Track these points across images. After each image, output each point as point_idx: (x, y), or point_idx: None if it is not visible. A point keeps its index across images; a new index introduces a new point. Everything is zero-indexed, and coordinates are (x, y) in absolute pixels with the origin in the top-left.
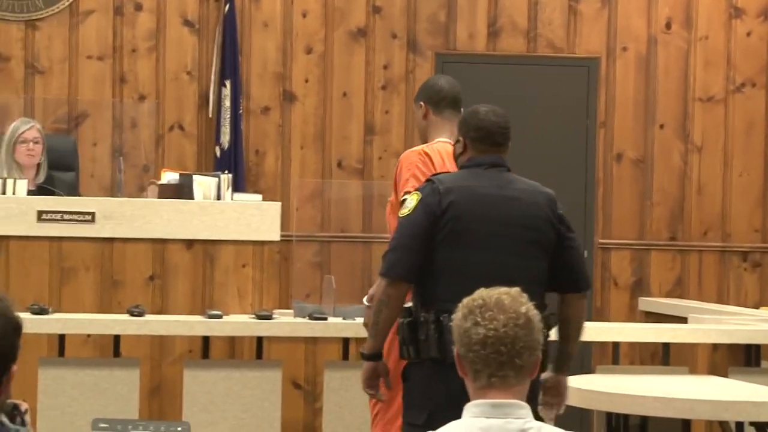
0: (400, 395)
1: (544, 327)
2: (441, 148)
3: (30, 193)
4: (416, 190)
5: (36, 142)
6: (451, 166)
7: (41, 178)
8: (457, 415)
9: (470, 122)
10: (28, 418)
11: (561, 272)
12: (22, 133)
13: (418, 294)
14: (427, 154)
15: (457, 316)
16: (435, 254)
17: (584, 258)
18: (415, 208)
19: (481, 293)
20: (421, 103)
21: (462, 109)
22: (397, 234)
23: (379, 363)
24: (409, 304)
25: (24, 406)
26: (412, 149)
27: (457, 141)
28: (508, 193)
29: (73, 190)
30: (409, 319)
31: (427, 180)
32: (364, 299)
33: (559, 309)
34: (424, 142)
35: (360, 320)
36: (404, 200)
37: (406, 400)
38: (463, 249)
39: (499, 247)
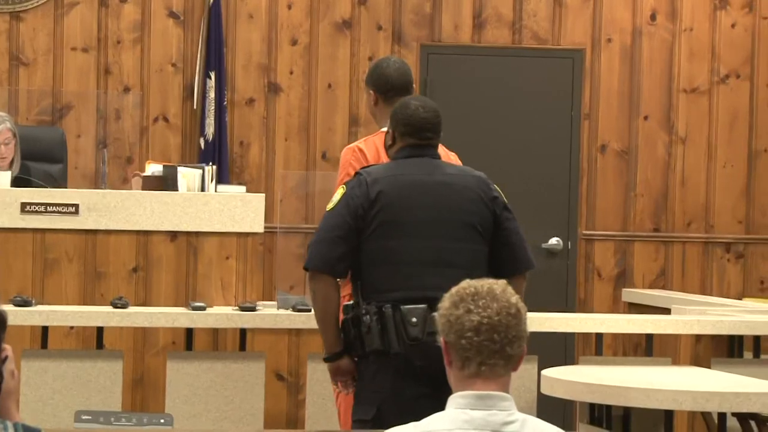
0: None
1: None
2: (380, 140)
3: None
4: (343, 184)
5: (7, 144)
6: (386, 157)
7: (15, 170)
8: (405, 407)
9: (399, 116)
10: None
11: (500, 253)
12: None
13: (357, 288)
14: (361, 150)
15: (444, 305)
16: (369, 245)
17: (523, 238)
18: (339, 201)
19: (470, 282)
20: (371, 90)
21: (413, 89)
22: (320, 228)
23: (342, 361)
24: (350, 302)
25: (5, 353)
26: (349, 146)
27: (387, 132)
28: (438, 178)
29: (61, 183)
30: (352, 315)
31: (356, 173)
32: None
33: None
34: (378, 125)
35: None
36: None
37: (356, 397)
38: (398, 237)
39: (434, 233)
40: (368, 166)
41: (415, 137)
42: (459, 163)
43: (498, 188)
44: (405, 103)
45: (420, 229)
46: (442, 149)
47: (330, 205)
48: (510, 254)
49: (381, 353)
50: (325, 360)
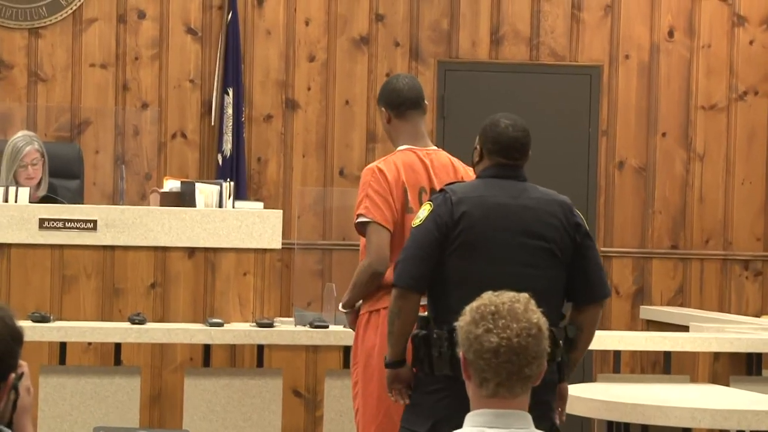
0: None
1: (561, 338)
2: (399, 159)
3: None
4: (428, 200)
5: (35, 164)
6: (407, 177)
7: (43, 190)
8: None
9: (488, 134)
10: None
11: (576, 280)
12: (23, 157)
13: (431, 306)
14: (381, 170)
15: (466, 319)
16: (447, 265)
17: (601, 266)
18: (426, 218)
19: (492, 299)
20: (383, 108)
21: (425, 104)
22: (407, 244)
23: (401, 369)
24: (425, 314)
25: (21, 369)
26: (369, 166)
27: (475, 148)
28: (522, 202)
29: (77, 198)
30: (424, 333)
31: (440, 190)
32: (340, 305)
33: (572, 315)
34: (393, 144)
35: None
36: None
37: (411, 408)
38: (476, 260)
39: (513, 258)
40: (453, 183)
41: (502, 156)
42: (472, 178)
43: (580, 214)
44: (495, 121)
45: (499, 253)
46: (460, 164)
47: (416, 222)
48: (587, 283)
49: (450, 378)
50: (387, 365)
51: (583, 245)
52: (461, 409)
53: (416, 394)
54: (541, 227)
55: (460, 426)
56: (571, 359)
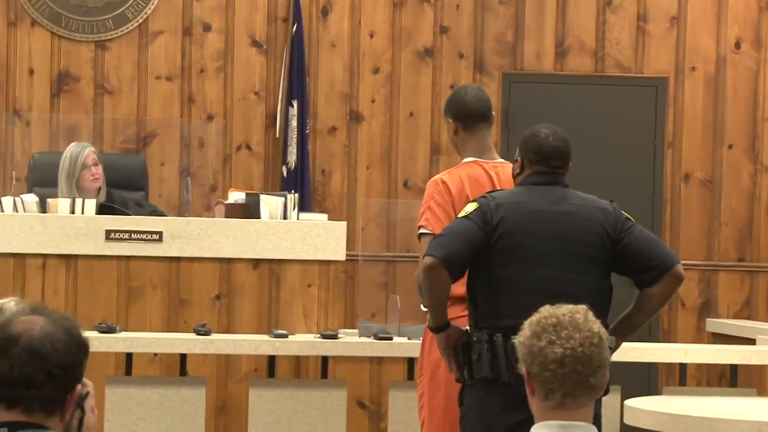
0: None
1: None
2: (464, 171)
3: None
4: (474, 200)
5: (96, 164)
6: (471, 190)
7: (102, 197)
8: None
9: (529, 144)
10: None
11: (635, 264)
12: (84, 159)
13: (471, 312)
14: (444, 183)
15: (526, 334)
16: (487, 271)
17: (657, 239)
18: (471, 212)
19: (551, 311)
20: (450, 119)
21: (493, 116)
22: (449, 226)
23: (449, 330)
24: (465, 327)
25: (87, 389)
26: (433, 178)
27: (516, 160)
28: (562, 208)
29: (148, 210)
30: (464, 341)
31: (482, 196)
32: (422, 306)
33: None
34: (460, 155)
35: None
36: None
37: (462, 423)
38: (516, 265)
39: (552, 263)
40: (493, 191)
41: (543, 165)
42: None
43: (626, 213)
44: (535, 132)
45: (539, 259)
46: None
47: (462, 213)
48: (647, 258)
49: (490, 381)
50: (434, 331)
51: (627, 231)
52: (506, 408)
53: (463, 407)
54: (580, 233)
55: (512, 423)
56: (633, 321)
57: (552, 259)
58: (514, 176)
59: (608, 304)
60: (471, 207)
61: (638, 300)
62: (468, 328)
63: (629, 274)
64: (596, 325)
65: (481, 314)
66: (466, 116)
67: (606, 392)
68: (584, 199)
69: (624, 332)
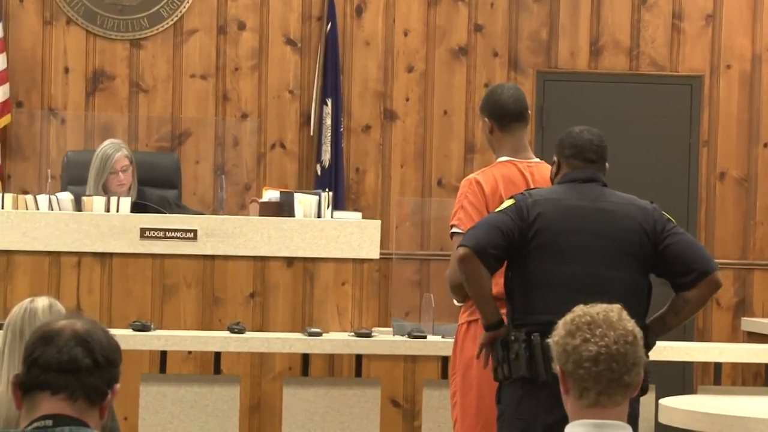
0: (475, 403)
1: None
2: (498, 171)
3: None
4: (511, 197)
5: (125, 171)
6: (505, 189)
7: (133, 196)
8: None
9: (564, 141)
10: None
11: (675, 266)
12: (113, 164)
13: (509, 310)
14: (478, 182)
15: (560, 332)
16: (524, 267)
17: (698, 244)
18: (508, 207)
19: (585, 309)
20: (485, 118)
21: (529, 115)
22: (484, 218)
23: (500, 329)
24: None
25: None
26: (467, 177)
27: (553, 162)
28: (601, 205)
29: (181, 208)
30: (502, 338)
31: (520, 193)
32: (455, 301)
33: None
34: (495, 154)
35: None
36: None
37: (499, 421)
38: (553, 261)
39: (590, 259)
40: (533, 189)
41: (579, 159)
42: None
43: (667, 214)
44: (569, 130)
45: (576, 255)
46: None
47: (498, 208)
48: (687, 262)
49: (528, 380)
50: (487, 329)
51: (669, 232)
52: (544, 407)
53: (501, 405)
54: (618, 230)
55: (550, 423)
56: (667, 321)
57: (589, 255)
58: (552, 178)
59: (647, 304)
60: (507, 203)
61: (674, 302)
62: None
63: (667, 276)
64: (630, 324)
65: (518, 311)
66: (502, 115)
67: (644, 392)
68: (623, 198)
69: (657, 332)
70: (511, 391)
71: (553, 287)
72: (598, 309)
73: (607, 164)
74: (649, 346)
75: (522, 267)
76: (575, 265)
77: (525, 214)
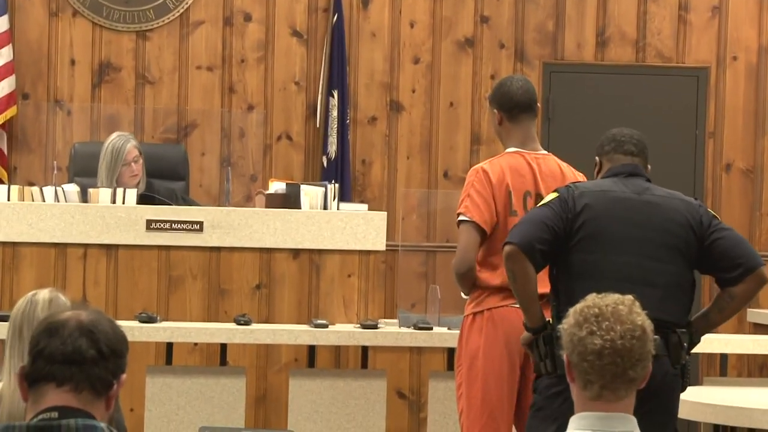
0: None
1: (687, 341)
2: (505, 161)
3: None
4: (555, 189)
5: (136, 161)
6: (512, 180)
7: (141, 188)
8: None
9: (605, 139)
10: None
11: (721, 262)
12: (125, 155)
13: (554, 301)
14: (485, 171)
15: (569, 322)
16: (570, 258)
17: (744, 240)
18: (551, 200)
19: (595, 301)
20: (495, 110)
21: (537, 108)
22: (527, 214)
23: (544, 333)
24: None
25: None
26: (474, 166)
27: (594, 166)
28: (646, 198)
29: (188, 201)
30: (545, 333)
31: (566, 186)
32: (462, 294)
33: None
34: (503, 145)
35: None
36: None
37: (533, 410)
38: (600, 252)
39: (636, 250)
40: (577, 182)
41: (620, 152)
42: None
43: (712, 212)
44: (609, 131)
45: (622, 246)
46: (569, 170)
47: (541, 202)
48: (733, 258)
49: None
50: (528, 331)
51: (716, 227)
52: None
53: (540, 397)
54: (665, 223)
55: None
56: (711, 319)
57: (635, 246)
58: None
59: (690, 298)
60: (551, 196)
61: (719, 299)
62: (550, 319)
63: (712, 272)
64: (640, 318)
65: (563, 303)
66: (511, 107)
67: (684, 387)
68: (668, 192)
69: (700, 330)
70: (552, 384)
71: (598, 278)
72: (608, 300)
73: (649, 165)
74: (693, 344)
75: (566, 259)
76: (621, 256)
77: (571, 205)
